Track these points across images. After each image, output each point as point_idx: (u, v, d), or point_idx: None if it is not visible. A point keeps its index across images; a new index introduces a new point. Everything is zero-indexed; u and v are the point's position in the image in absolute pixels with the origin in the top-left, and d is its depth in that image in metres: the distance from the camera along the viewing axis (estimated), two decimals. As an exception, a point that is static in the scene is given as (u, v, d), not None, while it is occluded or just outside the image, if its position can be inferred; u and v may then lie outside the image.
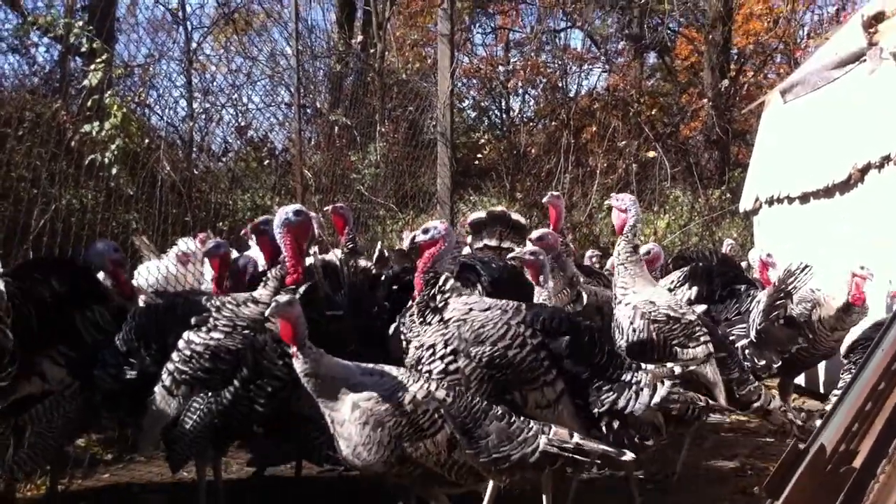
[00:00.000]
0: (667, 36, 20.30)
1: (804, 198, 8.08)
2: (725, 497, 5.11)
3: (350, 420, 3.56)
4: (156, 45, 10.72)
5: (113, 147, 7.94)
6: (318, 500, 5.25)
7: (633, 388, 4.05)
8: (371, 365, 3.80)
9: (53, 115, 8.17)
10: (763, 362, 5.97)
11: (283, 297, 3.68)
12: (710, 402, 4.64)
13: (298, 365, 3.60)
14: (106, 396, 4.38)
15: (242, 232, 5.57)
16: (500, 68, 20.19)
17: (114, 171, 7.94)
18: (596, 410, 4.02)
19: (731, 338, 6.07)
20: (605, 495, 5.15)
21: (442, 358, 3.97)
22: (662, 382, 4.09)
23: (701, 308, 5.70)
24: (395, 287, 5.33)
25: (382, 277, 5.66)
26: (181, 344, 4.29)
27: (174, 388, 4.24)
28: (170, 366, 4.27)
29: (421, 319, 4.12)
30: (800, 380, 7.54)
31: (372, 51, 14.33)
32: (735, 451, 6.18)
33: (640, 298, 5.14)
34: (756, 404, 5.17)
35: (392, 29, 16.84)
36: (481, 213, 6.28)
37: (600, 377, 4.07)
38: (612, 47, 21.94)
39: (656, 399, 4.02)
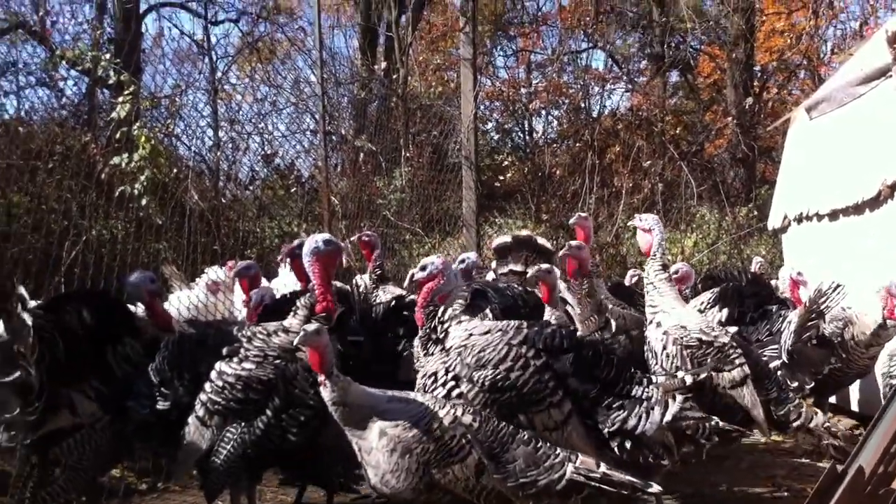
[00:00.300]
0: (689, 54, 20.29)
1: (833, 215, 8.02)
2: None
3: (378, 448, 3.55)
4: (182, 75, 10.86)
5: (142, 178, 8.04)
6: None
7: (644, 404, 3.99)
8: (398, 392, 3.80)
9: (83, 148, 8.29)
10: (795, 384, 5.89)
11: (311, 326, 3.72)
12: (723, 423, 4.56)
13: (326, 394, 3.62)
14: (139, 427, 4.39)
15: (279, 257, 5.63)
16: (523, 90, 20.24)
17: (143, 201, 8.03)
18: (606, 430, 3.96)
19: (763, 359, 6.01)
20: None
21: (444, 385, 3.95)
22: (674, 398, 4.03)
23: (733, 330, 5.64)
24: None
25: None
26: (213, 375, 4.31)
27: (207, 418, 4.25)
28: (202, 396, 4.29)
29: (424, 352, 4.15)
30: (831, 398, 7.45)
31: (395, 76, 14.43)
32: (771, 471, 6.12)
33: (671, 322, 5.11)
34: (796, 423, 5.07)
35: (414, 54, 16.95)
36: (506, 238, 6.31)
37: (609, 394, 4.02)
38: (633, 67, 21.99)
39: (668, 417, 3.96)
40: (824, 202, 8.11)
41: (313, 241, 4.46)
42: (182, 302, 6.61)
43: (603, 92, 19.10)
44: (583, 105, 18.31)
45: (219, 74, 11.88)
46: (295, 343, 3.74)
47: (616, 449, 3.96)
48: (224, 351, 4.37)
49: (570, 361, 3.98)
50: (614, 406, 3.97)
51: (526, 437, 3.69)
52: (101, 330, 4.55)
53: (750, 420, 5.03)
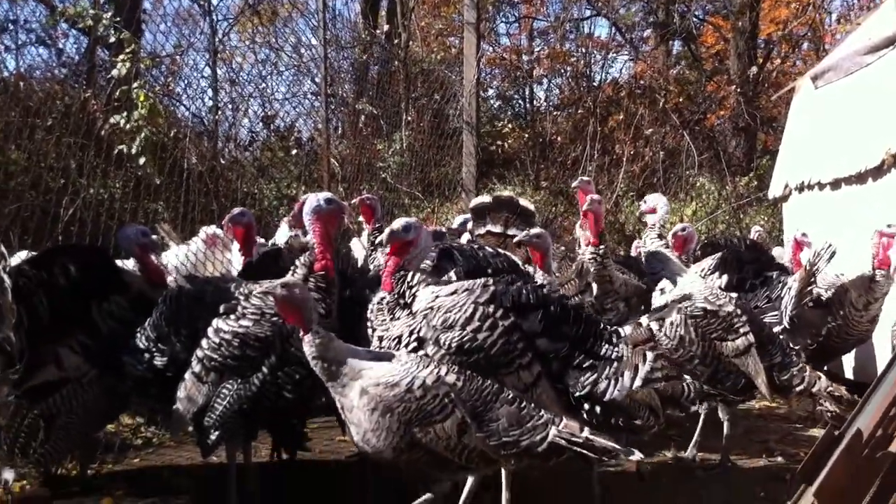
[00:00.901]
0: (693, 23, 20.14)
1: (835, 184, 7.99)
2: (758, 483, 5.08)
3: (358, 406, 3.53)
4: (182, 35, 10.79)
5: (140, 137, 7.99)
6: (347, 482, 5.25)
7: (615, 366, 3.89)
8: (383, 351, 3.80)
9: (83, 105, 8.23)
10: (797, 347, 5.89)
11: (288, 280, 3.72)
12: (707, 387, 4.55)
13: (307, 348, 3.58)
14: (136, 383, 4.39)
15: (291, 214, 5.57)
16: (525, 57, 20.12)
17: (141, 160, 7.99)
18: (577, 394, 3.88)
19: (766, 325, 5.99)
20: (633, 477, 5.12)
21: (406, 346, 3.88)
22: (644, 358, 3.91)
23: (715, 281, 5.66)
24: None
25: None
26: (210, 331, 4.29)
27: (204, 374, 4.24)
28: (199, 353, 4.27)
29: (391, 316, 4.05)
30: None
31: (397, 41, 14.32)
32: (765, 437, 6.15)
33: (676, 292, 5.13)
34: (799, 388, 5.07)
35: (417, 18, 16.82)
36: (485, 198, 6.06)
37: (579, 352, 3.93)
38: (637, 35, 21.84)
39: (638, 382, 3.86)
40: (827, 171, 8.08)
41: (315, 200, 4.42)
42: (179, 257, 6.57)
43: (605, 60, 18.97)
44: (585, 73, 18.20)
45: (220, 36, 11.75)
46: (271, 297, 3.74)
47: (585, 414, 3.89)
48: (221, 308, 4.34)
49: (538, 319, 3.90)
50: (585, 366, 3.89)
51: (510, 396, 3.65)
52: (86, 285, 4.57)
53: (753, 386, 5.04)
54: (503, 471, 4.15)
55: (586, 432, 3.58)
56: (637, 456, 3.61)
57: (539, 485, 4.86)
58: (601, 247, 5.52)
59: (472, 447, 3.54)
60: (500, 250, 5.05)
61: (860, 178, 7.55)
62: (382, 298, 4.12)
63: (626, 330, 4.05)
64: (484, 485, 3.99)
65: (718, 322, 5.04)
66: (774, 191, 9.47)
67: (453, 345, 3.80)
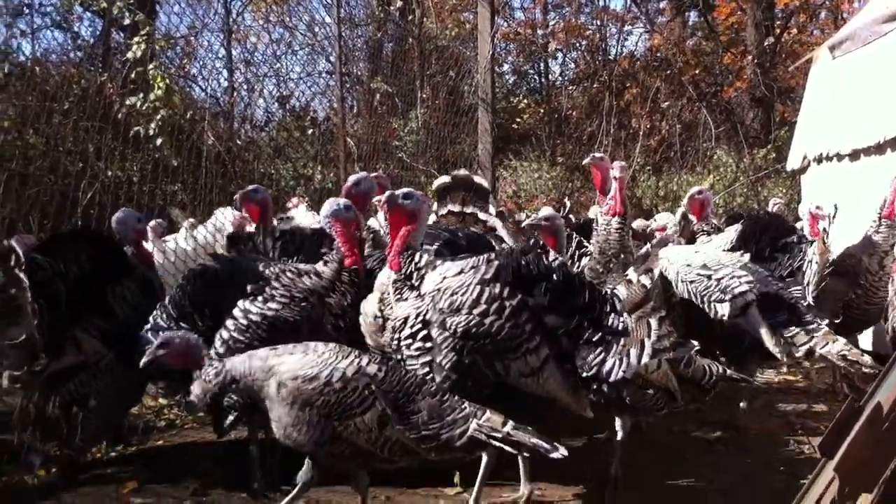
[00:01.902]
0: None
1: (854, 155, 7.92)
2: (779, 456, 5.08)
3: (277, 401, 3.47)
4: (196, 16, 10.78)
5: (157, 119, 8.03)
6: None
7: (621, 342, 3.78)
8: (302, 344, 3.67)
9: (99, 89, 8.27)
10: (826, 321, 5.83)
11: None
12: (728, 370, 4.51)
13: (208, 384, 3.55)
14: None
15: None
16: (539, 31, 20.00)
17: (158, 142, 8.03)
18: (584, 374, 3.80)
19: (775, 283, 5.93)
20: (654, 451, 5.14)
21: (412, 328, 3.83)
22: (649, 328, 3.80)
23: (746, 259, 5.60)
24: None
25: None
26: (237, 313, 4.26)
27: (227, 356, 4.25)
28: (224, 334, 4.24)
29: (398, 297, 3.97)
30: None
31: (410, 17, 14.27)
32: (784, 410, 6.14)
33: (681, 260, 5.19)
34: (804, 345, 4.97)
35: (430, -6, 16.74)
36: (446, 178, 5.91)
37: (587, 325, 3.82)
38: (652, 7, 21.65)
39: (645, 358, 3.75)
40: (846, 142, 8.01)
41: (335, 204, 4.47)
42: (199, 239, 6.61)
43: (621, 32, 18.83)
44: (601, 46, 18.09)
45: (234, 16, 11.76)
46: (142, 363, 3.67)
47: (593, 394, 3.86)
48: (248, 288, 4.32)
49: (543, 291, 3.81)
50: (594, 341, 3.79)
51: (433, 388, 3.59)
52: (99, 270, 4.61)
53: (760, 345, 5.03)
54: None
55: (508, 427, 3.48)
56: (560, 454, 3.45)
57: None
58: (625, 216, 5.47)
59: (395, 440, 3.48)
60: (470, 229, 5.10)
61: (879, 149, 7.48)
62: (395, 281, 4.03)
63: (621, 291, 3.95)
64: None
65: (715, 285, 5.08)
66: (793, 163, 9.40)
67: (459, 330, 3.72)
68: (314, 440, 3.46)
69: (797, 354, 5.10)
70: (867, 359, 4.87)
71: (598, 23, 18.74)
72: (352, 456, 3.54)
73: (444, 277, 3.86)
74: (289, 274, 4.37)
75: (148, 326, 4.34)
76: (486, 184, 6.01)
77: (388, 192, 4.11)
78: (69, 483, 4.62)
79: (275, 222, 5.94)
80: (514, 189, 14.73)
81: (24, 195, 7.44)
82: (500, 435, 3.46)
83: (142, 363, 3.68)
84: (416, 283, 3.92)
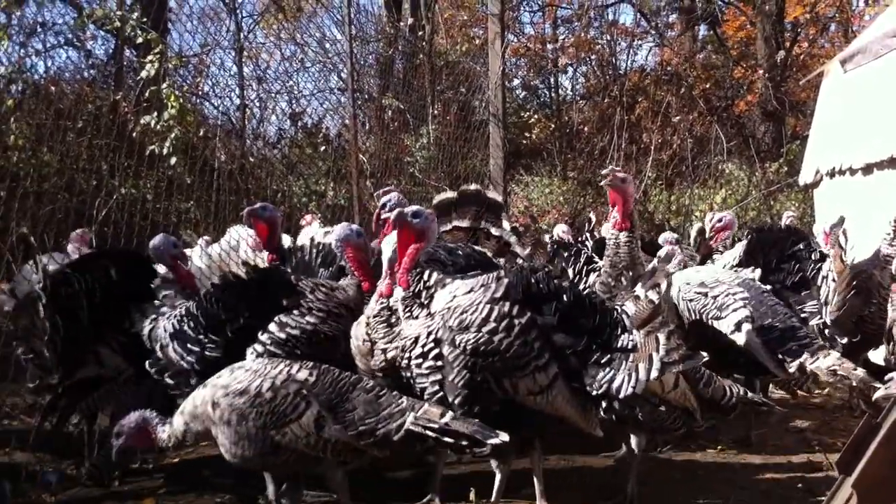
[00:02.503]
0: (718, 8, 20.00)
1: (867, 169, 7.92)
2: (796, 473, 5.05)
3: (216, 421, 3.51)
4: (208, 34, 10.85)
5: (171, 137, 8.07)
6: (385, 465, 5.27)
7: (630, 358, 3.76)
8: (234, 365, 3.73)
9: (113, 107, 8.32)
10: (844, 339, 5.78)
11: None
12: (750, 393, 4.48)
13: (171, 439, 3.66)
14: (177, 374, 4.30)
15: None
16: (549, 46, 20.06)
17: (172, 160, 8.07)
18: (594, 393, 3.78)
19: (803, 315, 5.89)
20: (669, 468, 5.12)
21: (423, 347, 3.80)
22: (657, 343, 3.77)
23: (748, 274, 5.57)
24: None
25: None
26: (273, 327, 4.26)
27: None
28: (258, 347, 4.23)
29: (408, 315, 3.95)
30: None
31: (421, 33, 14.33)
32: (802, 426, 6.11)
33: (681, 279, 5.21)
34: (795, 362, 4.88)
35: (440, 10, 16.81)
36: (450, 194, 5.86)
37: (596, 347, 3.81)
38: (662, 21, 21.70)
39: (654, 373, 3.71)
40: (858, 156, 8.00)
41: (346, 229, 4.57)
42: (212, 258, 6.63)
43: (631, 47, 18.87)
44: (611, 60, 18.12)
45: (245, 33, 11.82)
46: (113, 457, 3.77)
47: (603, 412, 3.83)
48: (284, 302, 4.33)
49: (553, 310, 3.80)
50: (602, 362, 3.78)
51: (369, 385, 3.61)
52: (125, 288, 4.64)
53: (756, 360, 5.01)
54: (535, 463, 4.14)
55: (446, 418, 3.49)
56: (500, 439, 3.45)
57: (574, 478, 4.89)
58: (633, 230, 5.39)
59: (335, 440, 3.49)
60: (471, 246, 5.02)
61: (892, 163, 7.48)
62: (383, 308, 3.99)
63: (629, 307, 3.93)
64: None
65: (712, 303, 5.08)
66: (805, 177, 9.39)
67: (468, 347, 3.70)
68: (257, 453, 3.49)
69: (790, 370, 5.06)
70: (859, 373, 4.80)
71: (608, 37, 18.77)
72: (299, 462, 3.57)
73: (455, 296, 3.87)
74: (323, 288, 4.38)
75: (170, 331, 4.33)
76: (499, 198, 6.00)
77: (397, 210, 4.10)
78: (86, 501, 4.63)
79: (315, 234, 5.97)
80: (526, 204, 14.74)
81: (38, 213, 7.48)
82: (436, 426, 3.47)
83: (113, 457, 3.78)
84: (426, 302, 3.93)
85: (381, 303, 3.97)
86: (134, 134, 8.12)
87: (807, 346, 4.97)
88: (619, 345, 3.82)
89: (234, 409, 3.47)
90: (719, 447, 5.53)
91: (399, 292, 4.01)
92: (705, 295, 5.12)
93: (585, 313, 3.86)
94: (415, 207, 4.11)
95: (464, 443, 3.49)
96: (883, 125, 7.62)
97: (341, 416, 3.50)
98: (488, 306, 3.76)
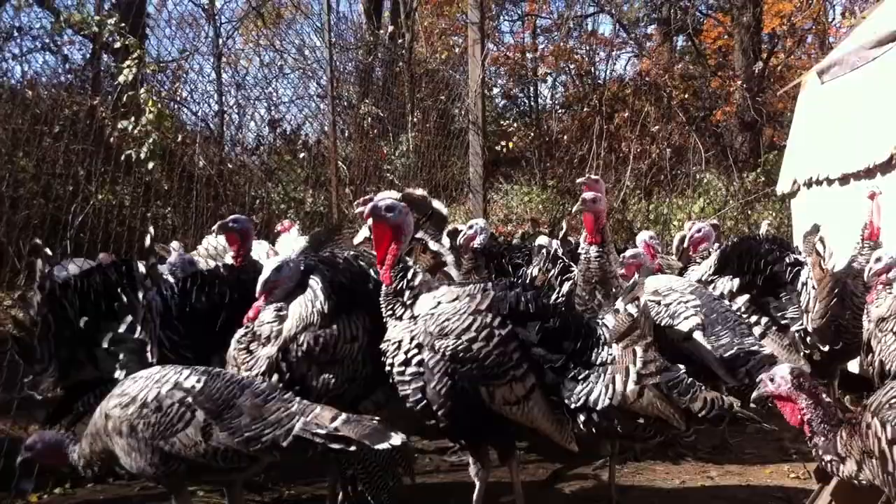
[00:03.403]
0: (696, 18, 20.16)
1: (844, 179, 7.95)
2: (774, 482, 5.07)
3: (109, 433, 3.46)
4: (187, 39, 10.81)
5: (148, 142, 8.02)
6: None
7: (608, 371, 3.76)
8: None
9: (90, 112, 8.26)
10: (826, 347, 5.79)
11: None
12: (738, 408, 4.45)
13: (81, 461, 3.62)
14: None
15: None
16: (529, 55, 20.12)
17: (150, 166, 8.01)
18: (572, 406, 3.77)
19: (783, 321, 5.90)
20: (651, 474, 5.13)
21: (406, 353, 3.76)
22: (634, 356, 3.79)
23: (726, 284, 5.56)
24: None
25: None
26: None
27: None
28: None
29: (390, 313, 3.88)
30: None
31: (400, 41, 14.34)
32: (780, 436, 6.12)
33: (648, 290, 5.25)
34: (742, 369, 4.77)
35: (420, 18, 16.82)
36: (391, 194, 5.32)
37: (575, 364, 3.80)
38: (641, 32, 21.83)
39: (630, 385, 3.72)
40: (835, 166, 8.05)
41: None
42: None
43: (610, 57, 18.97)
44: (590, 70, 18.21)
45: (224, 39, 11.76)
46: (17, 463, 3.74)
47: (581, 424, 3.80)
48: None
49: (535, 330, 3.78)
50: (580, 378, 3.77)
51: (259, 388, 3.50)
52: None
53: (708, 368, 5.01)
54: (513, 472, 4.10)
55: (337, 422, 3.34)
56: (396, 440, 3.30)
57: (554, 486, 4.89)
58: (604, 244, 5.36)
59: (225, 448, 3.40)
60: (358, 261, 4.49)
61: (869, 174, 7.52)
62: (245, 333, 3.92)
63: (609, 321, 3.93)
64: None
65: (665, 311, 5.07)
66: (783, 187, 9.44)
67: (447, 353, 3.69)
68: (149, 463, 3.41)
69: (739, 377, 5.06)
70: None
71: (588, 47, 18.85)
72: (192, 472, 3.50)
73: (439, 303, 3.82)
74: None
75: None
76: (444, 211, 5.69)
77: (370, 205, 4.01)
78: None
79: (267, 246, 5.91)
80: (506, 213, 14.76)
81: (14, 218, 7.41)
82: (323, 432, 3.32)
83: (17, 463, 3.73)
84: (409, 303, 3.86)
85: (246, 327, 3.89)
86: (111, 139, 8.06)
87: (753, 354, 4.98)
88: (597, 360, 3.82)
89: (124, 419, 3.40)
90: (697, 455, 5.55)
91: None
92: (658, 303, 5.12)
93: (569, 336, 3.85)
94: (389, 201, 4.00)
95: (352, 448, 3.33)
96: (859, 136, 7.66)
97: (228, 424, 3.39)
98: (471, 317, 3.73)
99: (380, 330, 3.91)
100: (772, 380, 3.26)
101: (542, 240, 7.17)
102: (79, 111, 8.65)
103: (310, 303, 3.86)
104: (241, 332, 3.84)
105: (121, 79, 8.32)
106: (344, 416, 3.37)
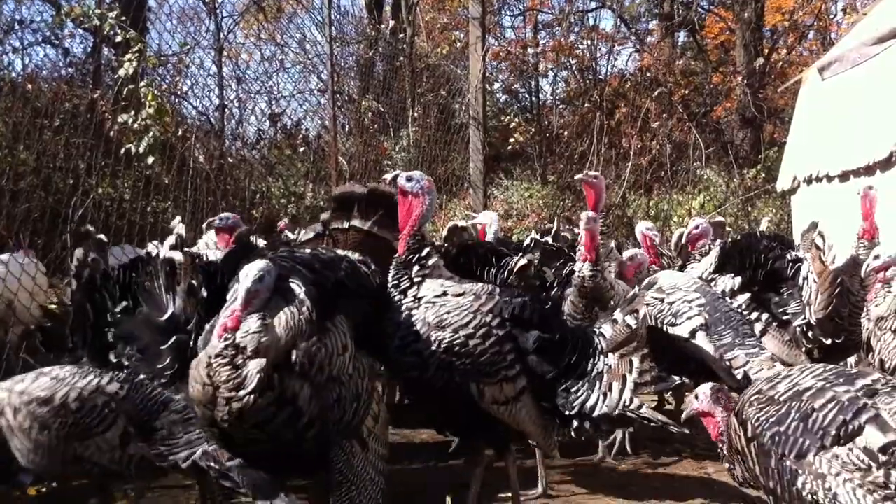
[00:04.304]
0: (698, 14, 20.11)
1: (844, 176, 7.98)
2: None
3: (15, 426, 3.38)
4: (188, 33, 10.81)
5: (148, 136, 8.02)
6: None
7: (603, 379, 3.78)
8: (38, 370, 3.59)
9: (91, 106, 8.26)
10: (829, 340, 5.78)
11: None
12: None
13: None
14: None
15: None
16: (530, 50, 20.08)
17: (150, 160, 8.01)
18: (566, 413, 3.78)
19: (786, 316, 5.89)
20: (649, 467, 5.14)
21: (402, 339, 3.73)
22: (630, 365, 3.80)
23: (728, 282, 5.56)
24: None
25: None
26: None
27: None
28: None
29: (395, 284, 3.85)
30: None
31: (401, 36, 14.32)
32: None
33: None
34: (740, 370, 4.79)
35: (421, 13, 16.80)
36: (358, 188, 4.80)
37: (569, 376, 3.81)
38: (642, 27, 21.80)
39: (627, 394, 3.74)
40: (835, 163, 8.06)
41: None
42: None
43: (611, 52, 18.92)
44: (591, 65, 18.17)
45: (225, 33, 11.76)
46: None
47: (574, 431, 3.82)
48: None
49: (533, 339, 3.77)
50: (573, 389, 3.78)
51: (179, 406, 3.48)
52: None
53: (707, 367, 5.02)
54: (510, 468, 4.12)
55: (232, 463, 3.31)
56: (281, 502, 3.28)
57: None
58: (597, 262, 5.37)
59: (140, 457, 3.42)
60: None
61: (868, 170, 7.53)
62: (227, 345, 3.14)
63: (607, 330, 3.94)
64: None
65: (668, 309, 5.08)
66: (783, 183, 9.46)
67: (443, 345, 3.68)
68: (57, 462, 3.40)
69: (737, 378, 5.07)
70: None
71: (589, 42, 18.80)
72: (99, 474, 3.48)
73: (445, 293, 3.81)
74: None
75: None
76: None
77: (393, 174, 4.03)
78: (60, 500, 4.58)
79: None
80: (506, 208, 14.76)
81: (14, 211, 7.42)
82: (217, 467, 3.34)
83: None
84: (416, 280, 3.85)
85: (226, 339, 3.14)
86: (112, 133, 8.06)
87: (753, 355, 4.99)
88: (594, 369, 3.83)
89: (36, 417, 3.34)
90: (695, 452, 5.56)
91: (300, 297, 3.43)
92: (662, 301, 5.12)
93: (566, 348, 3.86)
94: (410, 173, 3.99)
95: (239, 490, 3.36)
96: (860, 133, 7.68)
97: (147, 435, 3.41)
98: (471, 315, 3.73)
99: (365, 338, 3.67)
100: (696, 397, 3.29)
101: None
102: (79, 105, 8.66)
103: (296, 309, 3.30)
104: (219, 344, 3.12)
105: (121, 72, 8.33)
106: (238, 460, 3.32)
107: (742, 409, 3.04)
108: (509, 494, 4.21)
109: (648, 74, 18.04)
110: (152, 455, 3.40)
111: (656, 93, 16.31)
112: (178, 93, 11.09)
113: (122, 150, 7.98)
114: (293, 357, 3.18)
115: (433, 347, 3.69)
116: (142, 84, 8.32)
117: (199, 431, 3.39)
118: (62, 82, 9.78)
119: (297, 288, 3.38)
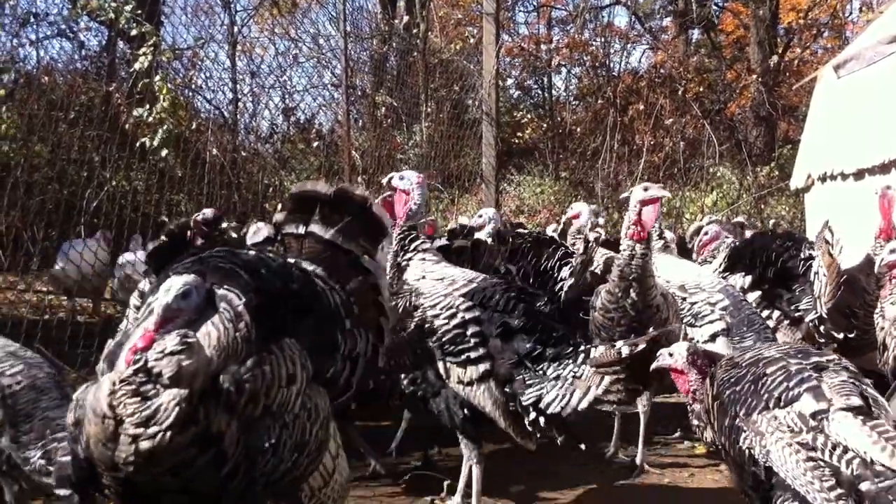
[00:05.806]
0: (712, 11, 20.06)
1: (859, 174, 7.93)
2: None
3: None
4: (203, 27, 10.83)
5: (163, 130, 8.04)
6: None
7: (567, 381, 3.71)
8: None
9: (106, 99, 8.29)
10: (842, 335, 5.76)
11: None
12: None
13: None
14: None
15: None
16: (543, 47, 20.07)
17: (163, 153, 8.04)
18: (524, 402, 3.74)
19: (798, 313, 5.88)
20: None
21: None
22: (601, 381, 3.69)
23: (738, 281, 5.55)
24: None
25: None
26: None
27: None
28: None
29: (395, 259, 4.15)
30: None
31: (415, 31, 14.30)
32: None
33: (665, 273, 5.21)
34: None
35: (435, 9, 16.79)
36: (322, 187, 3.47)
37: (532, 366, 3.78)
38: (656, 24, 21.74)
39: (584, 404, 3.66)
40: (850, 161, 8.02)
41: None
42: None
43: (624, 49, 18.90)
44: (605, 62, 18.14)
45: (239, 27, 11.79)
46: None
47: (529, 424, 3.75)
48: None
49: (497, 325, 3.81)
50: (534, 382, 3.75)
51: (55, 404, 3.31)
52: None
53: None
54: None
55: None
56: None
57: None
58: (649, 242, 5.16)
59: (6, 455, 3.26)
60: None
61: (884, 169, 7.50)
62: (138, 369, 2.41)
63: (599, 350, 3.80)
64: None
65: (687, 308, 5.10)
66: (797, 181, 9.41)
67: (415, 324, 3.87)
68: None
69: None
70: None
71: (602, 39, 18.79)
72: None
73: (424, 277, 4.03)
74: None
75: None
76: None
77: (390, 174, 4.41)
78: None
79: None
80: (518, 203, 14.75)
81: (28, 203, 7.46)
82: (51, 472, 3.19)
83: None
84: (403, 263, 4.11)
85: (136, 361, 2.46)
86: (126, 126, 8.09)
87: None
88: (564, 371, 3.77)
89: None
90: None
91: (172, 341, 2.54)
92: (684, 299, 5.10)
93: (532, 340, 3.84)
94: (403, 172, 4.39)
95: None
96: (875, 131, 7.64)
97: (19, 436, 3.24)
98: (442, 297, 3.90)
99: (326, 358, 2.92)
100: (671, 354, 3.36)
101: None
102: (94, 98, 8.69)
103: (230, 324, 2.61)
104: (126, 371, 2.43)
105: (136, 66, 8.33)
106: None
107: (715, 373, 3.15)
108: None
109: (662, 71, 18.00)
110: (21, 459, 3.24)
111: (671, 90, 16.26)
112: (193, 87, 11.10)
113: (137, 144, 8.01)
114: (219, 383, 2.51)
115: (410, 329, 3.88)
116: (156, 78, 8.33)
117: (62, 438, 3.14)
118: (77, 75, 9.82)
119: (235, 297, 2.71)
